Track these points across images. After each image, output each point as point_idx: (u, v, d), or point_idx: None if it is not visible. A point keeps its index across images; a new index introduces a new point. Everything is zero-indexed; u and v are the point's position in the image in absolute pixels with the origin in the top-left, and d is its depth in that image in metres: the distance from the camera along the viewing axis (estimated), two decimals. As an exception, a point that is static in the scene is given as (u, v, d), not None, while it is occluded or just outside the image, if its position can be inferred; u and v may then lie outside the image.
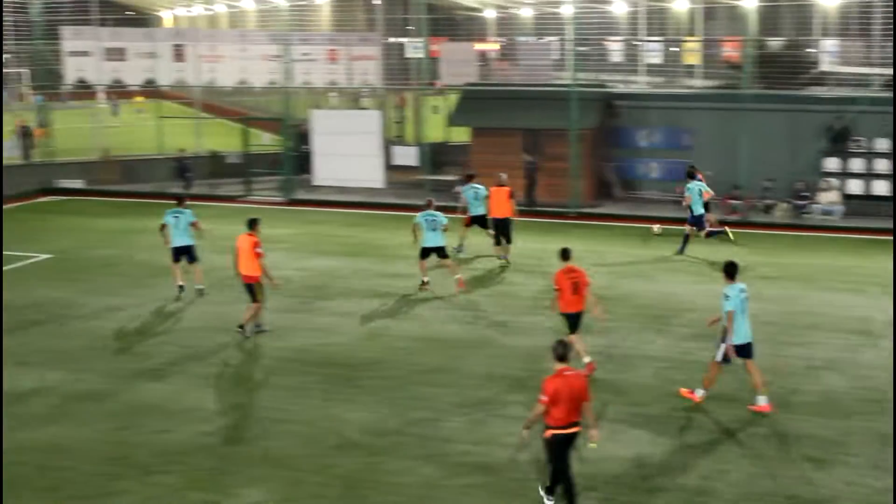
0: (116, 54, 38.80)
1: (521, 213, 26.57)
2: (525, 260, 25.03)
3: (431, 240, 22.39)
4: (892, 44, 34.21)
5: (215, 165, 38.98)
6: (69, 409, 15.87)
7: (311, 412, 15.60)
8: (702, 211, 25.75)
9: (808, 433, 14.62)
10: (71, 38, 39.40)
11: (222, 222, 30.72)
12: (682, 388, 16.02)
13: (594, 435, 12.26)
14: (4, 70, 61.33)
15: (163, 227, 22.48)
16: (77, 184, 37.96)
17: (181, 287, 22.35)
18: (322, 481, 13.27)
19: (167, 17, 68.58)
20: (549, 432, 12.08)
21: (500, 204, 24.83)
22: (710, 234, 26.05)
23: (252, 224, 19.60)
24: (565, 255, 17.39)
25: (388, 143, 35.79)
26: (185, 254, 22.51)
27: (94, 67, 38.89)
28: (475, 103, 34.00)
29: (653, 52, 51.09)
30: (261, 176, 36.34)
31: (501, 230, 24.99)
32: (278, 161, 35.86)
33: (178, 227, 22.42)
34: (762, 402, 15.44)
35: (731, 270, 15.58)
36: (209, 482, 13.25)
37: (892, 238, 26.46)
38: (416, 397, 16.19)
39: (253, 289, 19.31)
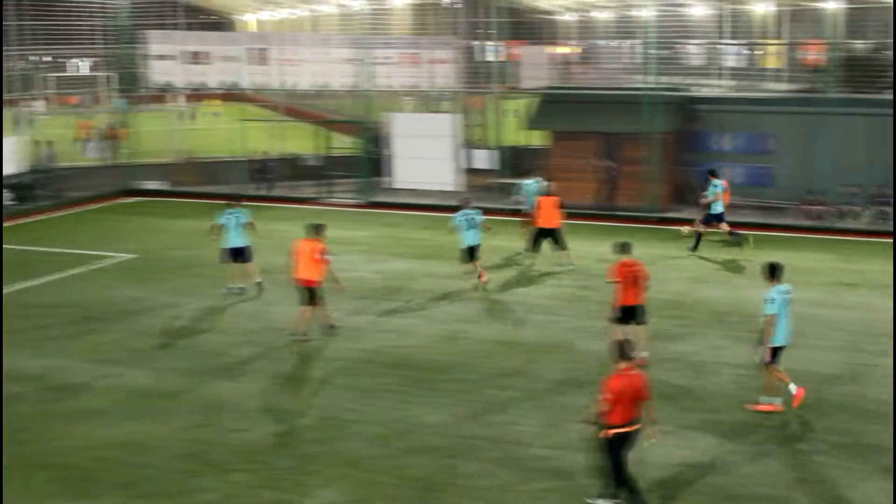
0: (200, 58, 39.30)
1: (601, 218, 26.55)
2: (599, 265, 24.83)
3: (471, 238, 22.82)
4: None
5: (294, 168, 39.32)
6: (147, 406, 16.08)
7: (386, 414, 15.63)
8: (720, 210, 26.33)
9: (888, 443, 14.28)
10: (156, 42, 40.01)
11: (300, 224, 30.98)
12: (755, 405, 15.70)
13: (653, 432, 12.19)
14: (91, 73, 62.67)
15: (216, 227, 22.82)
16: (158, 185, 38.56)
17: (242, 288, 22.70)
18: (397, 483, 13.27)
19: (250, 20, 69.43)
20: (611, 431, 12.03)
21: (549, 213, 24.81)
22: (733, 234, 26.58)
23: (316, 229, 19.66)
24: (624, 248, 17.59)
25: (466, 147, 35.79)
26: (240, 254, 22.82)
27: (178, 71, 39.46)
28: (554, 107, 33.86)
29: (734, 56, 50.50)
30: (339, 178, 36.58)
31: (553, 239, 24.99)
32: (356, 164, 36.06)
33: (235, 227, 22.72)
34: (772, 401, 15.43)
35: (774, 271, 15.38)
36: (285, 481, 13.33)
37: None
38: (492, 400, 16.14)
39: (313, 293, 19.36)
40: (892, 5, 38.67)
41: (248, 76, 38.86)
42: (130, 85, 40.28)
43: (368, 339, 19.44)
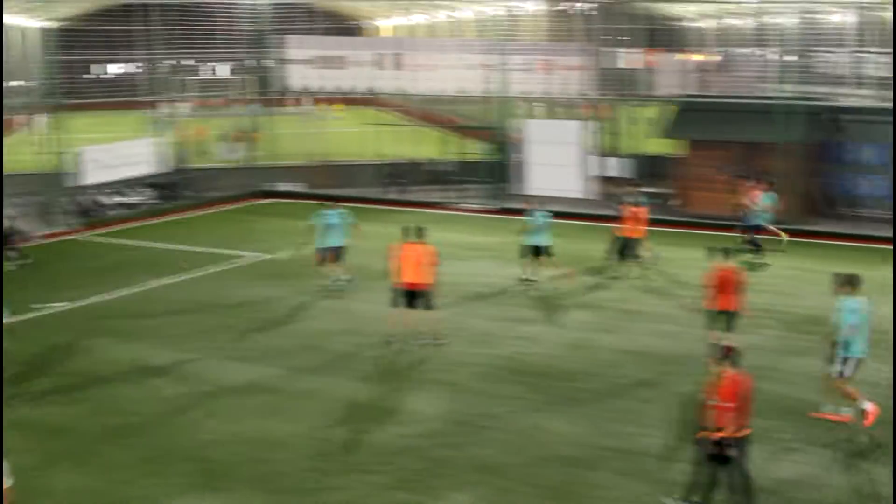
0: (335, 62, 39.86)
1: (733, 229, 26.17)
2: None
3: (539, 238, 23.58)
4: None
5: (425, 172, 39.58)
6: (283, 404, 16.33)
7: (518, 421, 15.57)
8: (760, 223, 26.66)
9: None
10: (295, 47, 40.72)
11: (432, 228, 31.16)
12: (817, 413, 15.39)
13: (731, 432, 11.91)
14: (229, 77, 64.15)
15: (315, 227, 23.21)
16: (292, 187, 39.22)
17: (340, 280, 23.32)
18: (530, 491, 13.19)
19: (385, 26, 70.17)
20: (713, 434, 11.95)
21: (636, 223, 24.79)
22: (754, 244, 26.51)
23: (420, 233, 19.64)
24: (726, 253, 17.89)
25: (598, 154, 35.50)
26: (337, 254, 23.29)
27: (313, 75, 40.06)
28: (689, 115, 33.31)
29: (875, 65, 48.88)
30: (469, 184, 36.68)
31: (630, 249, 24.88)
32: (487, 170, 36.10)
33: (337, 227, 23.20)
34: (839, 411, 15.15)
35: (853, 282, 15.18)
36: (418, 484, 13.37)
37: None
38: (622, 410, 15.95)
39: (427, 296, 19.31)
40: None
41: (381, 81, 39.23)
42: (267, 88, 41.04)
43: (500, 345, 19.41)
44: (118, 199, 34.86)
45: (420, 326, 19.32)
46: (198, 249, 28.43)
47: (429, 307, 19.30)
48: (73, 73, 39.09)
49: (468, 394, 16.81)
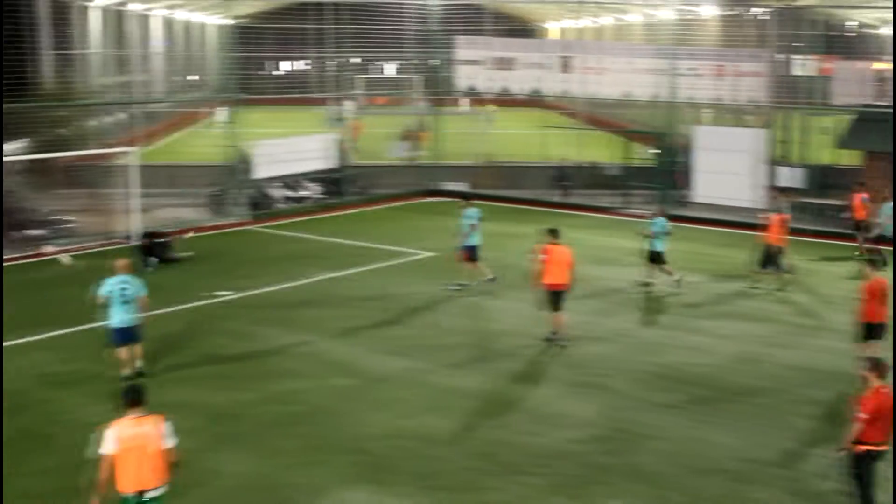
0: (504, 64, 39.99)
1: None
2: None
3: (658, 244, 23.89)
4: None
5: (592, 176, 39.33)
6: (443, 401, 16.48)
7: (679, 431, 15.34)
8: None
9: None
10: (464, 48, 41.02)
11: (596, 233, 31.03)
12: None
13: None
14: (398, 76, 65.03)
15: (472, 226, 23.63)
16: (457, 186, 39.50)
17: (463, 285, 23.58)
18: (688, 502, 12.99)
19: (554, 28, 69.98)
20: (863, 448, 11.74)
21: (779, 232, 24.16)
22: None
23: (556, 234, 19.77)
24: (876, 265, 18.14)
25: (772, 163, 34.61)
26: (470, 251, 23.55)
27: (482, 76, 40.29)
28: (869, 125, 32.17)
29: None
30: (637, 189, 36.29)
31: (772, 258, 24.16)
32: (655, 175, 35.65)
33: (474, 227, 23.65)
34: None
35: None
36: (574, 489, 13.31)
37: None
38: (789, 428, 15.52)
39: (562, 297, 19.50)
40: None
41: (550, 83, 39.14)
42: (435, 88, 41.47)
43: (665, 353, 19.16)
44: (287, 192, 35.80)
45: (559, 327, 19.55)
46: (363, 244, 28.95)
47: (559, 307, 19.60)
48: (249, 69, 40.21)
49: (632, 401, 16.64)
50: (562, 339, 19.42)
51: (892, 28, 54.52)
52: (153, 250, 26.06)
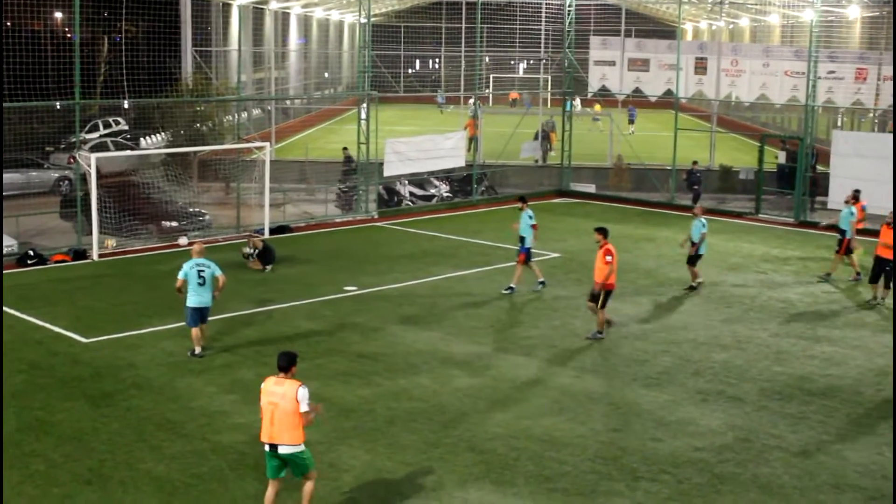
0: (639, 64, 39.56)
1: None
2: None
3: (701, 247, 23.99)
4: None
5: (724, 180, 38.65)
6: (568, 403, 16.34)
7: (810, 444, 14.89)
8: None
9: None
10: (598, 48, 40.72)
11: (726, 238, 30.44)
12: None
13: None
14: (534, 76, 64.91)
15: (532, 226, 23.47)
16: (589, 188, 39.26)
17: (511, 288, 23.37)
18: (816, 518, 12.64)
19: (689, 29, 68.94)
20: None
21: (888, 242, 22.62)
22: None
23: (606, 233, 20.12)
24: None
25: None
26: (525, 253, 23.38)
27: (617, 76, 39.94)
28: None
29: None
30: (770, 194, 35.48)
31: (886, 270, 22.88)
32: (790, 181, 34.78)
33: (527, 228, 23.35)
34: None
35: None
36: (697, 498, 13.04)
37: None
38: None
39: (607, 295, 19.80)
40: None
41: (683, 84, 38.52)
42: (567, 88, 41.24)
43: (795, 363, 18.65)
44: (416, 190, 36.04)
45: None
46: (489, 244, 28.95)
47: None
48: (384, 66, 40.61)
49: (760, 411, 16.23)
50: (599, 334, 19.83)
51: None
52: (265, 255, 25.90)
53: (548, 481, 13.42)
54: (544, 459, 14.10)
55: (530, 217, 23.42)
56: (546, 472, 13.68)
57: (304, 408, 11.46)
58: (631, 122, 59.88)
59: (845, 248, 25.13)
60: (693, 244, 23.82)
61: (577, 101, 55.62)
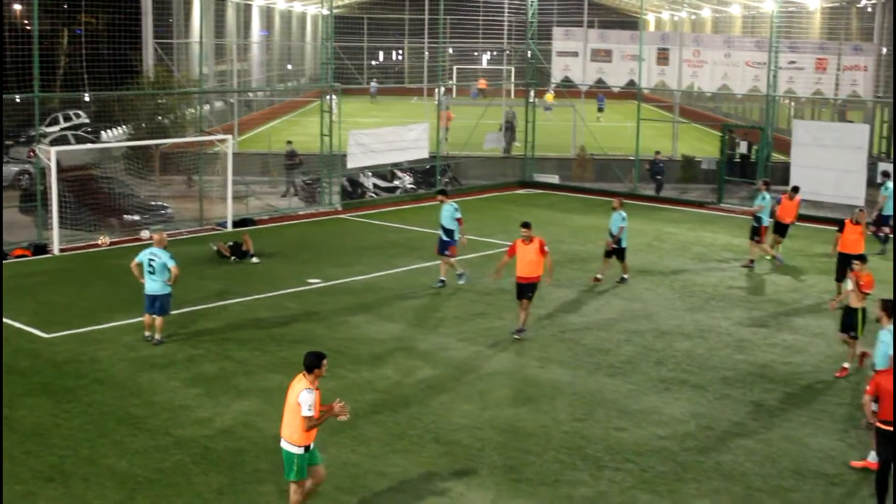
0: (602, 55, 39.68)
1: None
2: None
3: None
4: None
5: (686, 170, 38.88)
6: (532, 394, 16.40)
7: (772, 431, 15.03)
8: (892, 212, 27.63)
9: None
10: (561, 39, 40.81)
11: (688, 227, 30.64)
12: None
13: None
14: (495, 67, 64.98)
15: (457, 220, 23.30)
16: (553, 179, 39.36)
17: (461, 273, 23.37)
18: (777, 504, 12.77)
19: (652, 20, 69.23)
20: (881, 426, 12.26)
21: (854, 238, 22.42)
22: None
23: (529, 227, 19.73)
24: None
25: (876, 160, 33.78)
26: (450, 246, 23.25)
27: (579, 67, 40.05)
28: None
29: None
30: (732, 184, 35.72)
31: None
32: (751, 170, 35.04)
33: (449, 220, 23.17)
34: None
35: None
36: (660, 486, 13.13)
37: None
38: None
39: (532, 290, 19.63)
40: None
41: (646, 75, 38.70)
42: (530, 79, 41.28)
43: (756, 351, 18.82)
44: (380, 182, 35.98)
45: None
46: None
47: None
48: (347, 59, 40.49)
49: (721, 399, 16.36)
50: (523, 331, 19.44)
51: None
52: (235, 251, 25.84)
53: (512, 471, 13.47)
54: (508, 450, 14.15)
55: (455, 210, 23.24)
56: (510, 463, 13.73)
57: (304, 412, 11.33)
58: (600, 109, 60.15)
59: (761, 235, 25.68)
60: (612, 237, 23.64)
61: (552, 93, 55.75)
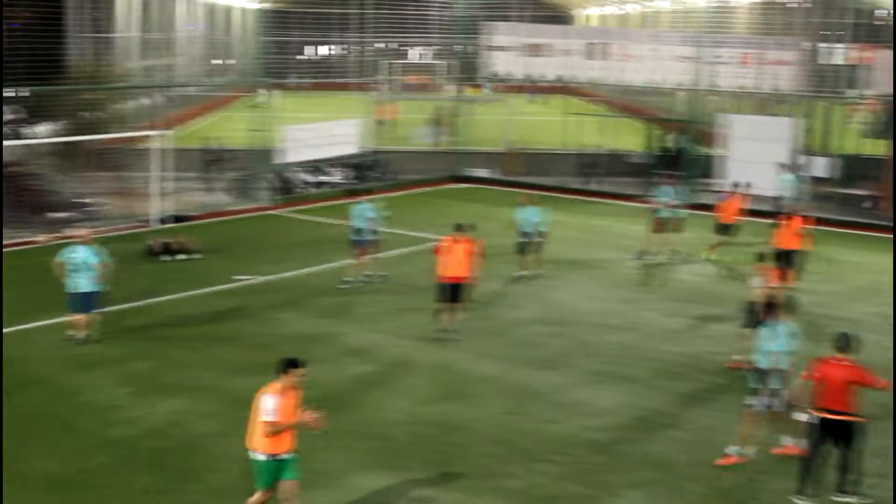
0: (539, 50, 39.82)
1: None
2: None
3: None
4: None
5: (620, 164, 39.20)
6: (465, 388, 16.48)
7: (699, 421, 15.28)
8: None
9: None
10: (500, 34, 40.92)
11: (619, 220, 30.92)
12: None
13: None
14: (434, 62, 65.04)
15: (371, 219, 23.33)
16: (486, 173, 39.46)
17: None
18: (707, 493, 12.94)
19: (589, 15, 69.79)
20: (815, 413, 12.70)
21: (790, 234, 22.76)
22: None
23: (462, 228, 19.32)
24: None
25: (804, 153, 34.35)
26: (364, 246, 23.00)
27: (519, 62, 40.15)
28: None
29: None
30: (665, 178, 36.06)
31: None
32: (685, 164, 35.42)
33: (370, 221, 23.10)
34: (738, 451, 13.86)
35: (780, 305, 14.34)
36: (592, 477, 13.27)
37: None
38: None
39: (463, 291, 19.20)
40: None
41: (582, 70, 38.96)
42: (470, 74, 41.39)
43: (686, 342, 19.08)
44: (316, 177, 35.82)
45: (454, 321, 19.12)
46: (387, 230, 28.84)
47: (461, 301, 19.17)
48: (284, 53, 40.28)
49: (652, 390, 16.59)
50: (452, 333, 19.00)
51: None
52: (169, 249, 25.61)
53: (444, 465, 13.52)
54: (441, 444, 14.20)
55: (370, 210, 23.12)
56: (442, 457, 13.78)
57: (262, 417, 11.01)
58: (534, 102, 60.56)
59: (656, 227, 26.03)
60: (526, 234, 23.67)
61: (493, 87, 55.87)
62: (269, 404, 10.97)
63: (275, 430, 10.98)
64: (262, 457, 11.16)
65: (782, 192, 28.52)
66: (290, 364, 11.26)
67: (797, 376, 13.02)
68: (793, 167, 28.84)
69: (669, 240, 26.01)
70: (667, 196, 25.94)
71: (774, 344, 13.83)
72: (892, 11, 38.05)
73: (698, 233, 28.99)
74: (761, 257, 18.49)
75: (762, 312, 14.69)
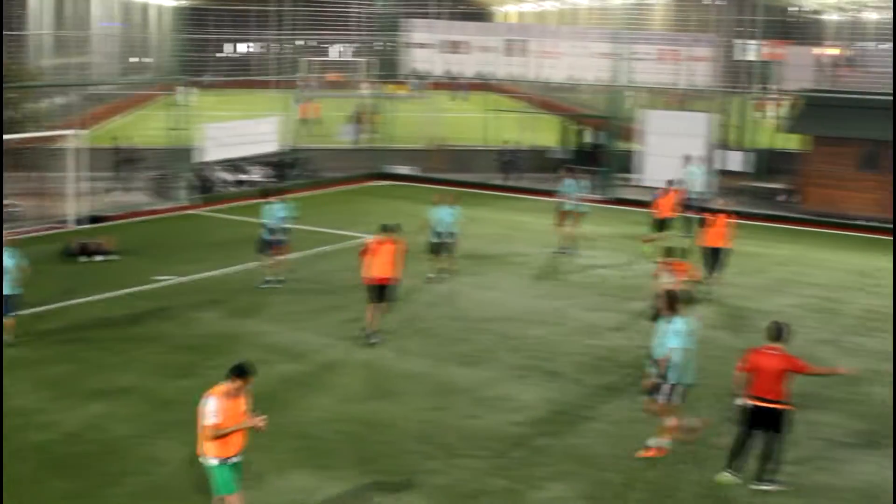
0: (458, 47, 39.92)
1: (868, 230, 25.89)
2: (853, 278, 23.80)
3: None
4: None
5: (541, 160, 39.45)
6: (389, 386, 16.49)
7: (619, 413, 15.46)
8: None
9: None
10: (412, 30, 40.93)
11: (539, 216, 31.09)
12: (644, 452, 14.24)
13: None
14: (354, 59, 64.77)
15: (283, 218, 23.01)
16: (409, 170, 39.45)
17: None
18: (627, 483, 13.11)
19: (509, 12, 70.11)
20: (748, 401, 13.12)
21: (719, 232, 22.79)
22: None
23: (389, 229, 19.01)
24: None
25: (721, 147, 34.91)
26: (277, 245, 22.73)
27: (439, 59, 40.19)
28: (816, 110, 32.50)
29: None
30: (586, 173, 36.39)
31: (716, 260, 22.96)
32: (604, 159, 35.77)
33: (283, 220, 22.79)
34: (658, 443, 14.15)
35: (678, 300, 14.41)
36: (515, 471, 13.36)
37: None
38: (732, 409, 15.58)
39: (388, 290, 18.97)
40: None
41: (503, 67, 39.16)
42: (390, 71, 41.31)
43: (607, 336, 19.28)
44: (236, 176, 35.49)
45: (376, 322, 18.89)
46: (308, 228, 28.76)
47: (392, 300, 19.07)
48: (203, 51, 39.85)
49: (573, 384, 16.75)
50: (376, 335, 18.80)
51: (835, 15, 55.13)
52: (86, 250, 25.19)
53: (369, 463, 13.51)
54: (365, 442, 14.18)
55: (281, 209, 22.81)
56: (367, 455, 13.76)
57: (205, 419, 10.72)
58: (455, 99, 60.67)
59: (560, 220, 26.39)
60: (437, 233, 23.49)
61: (421, 84, 55.77)
62: (212, 406, 10.73)
63: (217, 434, 10.76)
64: (213, 461, 10.94)
65: (689, 185, 28.87)
66: (234, 370, 10.99)
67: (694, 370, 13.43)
68: (699, 160, 29.28)
69: (572, 233, 26.26)
70: (570, 189, 26.21)
71: (670, 338, 13.89)
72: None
73: (617, 227, 29.42)
74: (668, 252, 18.79)
75: (661, 307, 14.79)
